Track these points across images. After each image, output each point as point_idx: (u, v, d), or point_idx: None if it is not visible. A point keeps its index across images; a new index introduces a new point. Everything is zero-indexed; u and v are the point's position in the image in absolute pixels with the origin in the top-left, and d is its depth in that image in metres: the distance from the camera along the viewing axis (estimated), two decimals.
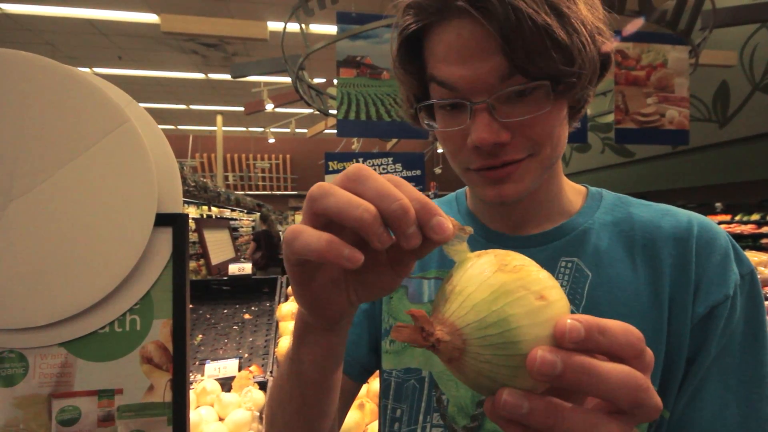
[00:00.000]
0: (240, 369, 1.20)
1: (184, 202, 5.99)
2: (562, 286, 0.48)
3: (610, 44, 0.44)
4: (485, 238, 0.54)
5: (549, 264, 0.49)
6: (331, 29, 5.70)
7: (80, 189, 0.56)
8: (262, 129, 11.81)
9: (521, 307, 0.22)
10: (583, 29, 0.38)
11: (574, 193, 0.54)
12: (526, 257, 0.26)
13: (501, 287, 0.23)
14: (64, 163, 0.56)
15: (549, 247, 0.50)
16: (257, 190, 14.54)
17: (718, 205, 7.39)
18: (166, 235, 0.61)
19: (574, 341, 0.21)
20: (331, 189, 0.25)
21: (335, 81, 2.87)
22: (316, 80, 6.03)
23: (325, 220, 0.26)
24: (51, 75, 0.56)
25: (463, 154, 0.45)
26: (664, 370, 0.44)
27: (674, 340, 0.44)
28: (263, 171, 14.59)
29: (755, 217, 6.76)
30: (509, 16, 0.35)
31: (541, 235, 0.51)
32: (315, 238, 0.25)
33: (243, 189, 14.20)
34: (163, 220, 0.60)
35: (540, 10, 0.35)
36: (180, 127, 12.97)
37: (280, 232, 8.69)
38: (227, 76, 7.70)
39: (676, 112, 3.20)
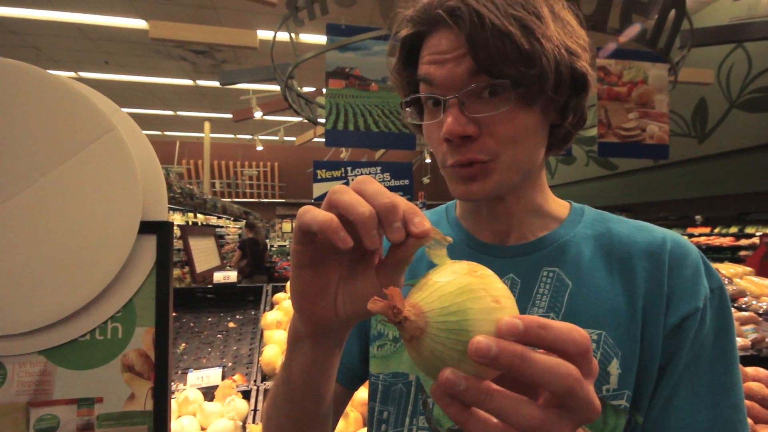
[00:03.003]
0: (223, 378, 1.19)
1: (170, 208, 5.94)
2: (543, 294, 0.50)
3: (585, 64, 0.46)
4: (471, 247, 0.55)
5: (531, 273, 0.51)
6: (321, 39, 5.74)
7: (64, 196, 0.57)
8: (250, 136, 11.77)
9: (479, 304, 0.26)
10: (547, 43, 0.43)
11: (558, 207, 0.56)
12: (493, 272, 0.30)
13: (466, 286, 0.27)
14: (47, 170, 0.56)
15: (532, 256, 0.52)
16: (244, 197, 14.44)
17: (698, 218, 7.58)
18: (150, 243, 0.61)
19: (512, 334, 0.25)
20: (345, 189, 0.31)
21: (324, 91, 2.89)
22: (306, 89, 6.06)
23: (336, 212, 0.31)
24: (37, 82, 0.57)
25: (440, 150, 0.49)
26: (638, 377, 0.46)
27: (647, 349, 0.46)
28: (251, 178, 14.51)
29: (733, 229, 6.96)
30: (474, 22, 0.42)
31: (525, 245, 0.53)
32: (322, 214, 0.30)
33: (230, 196, 14.08)
34: (147, 227, 0.60)
35: (504, 20, 0.42)
36: (167, 133, 12.85)
37: (267, 241, 8.64)
38: (216, 83, 7.69)
39: (656, 127, 3.29)
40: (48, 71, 0.57)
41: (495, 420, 0.25)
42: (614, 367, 0.45)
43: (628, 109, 3.22)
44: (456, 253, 0.56)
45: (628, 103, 3.22)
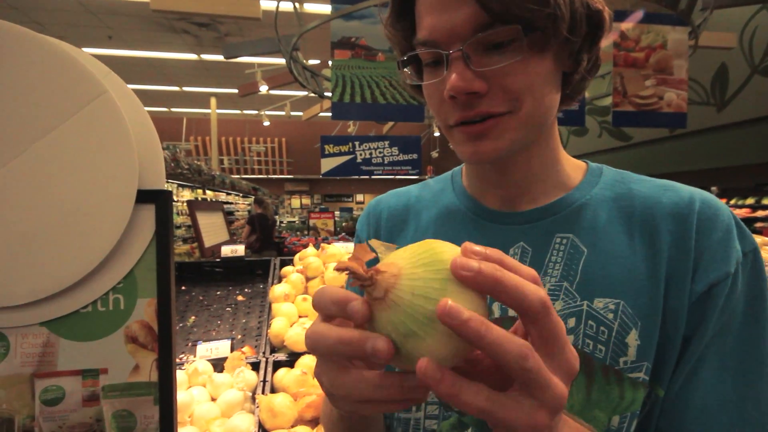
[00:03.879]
0: (232, 350, 1.20)
1: (178, 185, 5.96)
2: (556, 262, 0.47)
3: (601, 3, 0.42)
4: (478, 215, 0.53)
5: (543, 240, 0.48)
6: (326, 8, 5.58)
7: (58, 163, 0.54)
8: (257, 111, 11.68)
9: (447, 249, 0.27)
10: None
11: (572, 168, 0.52)
12: None
13: (433, 243, 0.28)
14: (39, 136, 0.54)
15: (543, 222, 0.49)
16: (253, 173, 14.45)
17: (713, 189, 7.41)
18: (149, 213, 0.59)
19: (476, 253, 0.26)
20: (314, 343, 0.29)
21: (330, 63, 2.82)
22: (311, 62, 5.93)
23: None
24: (22, 43, 0.53)
25: (443, 109, 0.45)
26: (659, 348, 0.43)
27: (671, 318, 0.43)
28: (258, 154, 14.48)
29: (750, 201, 6.79)
30: None
31: (536, 210, 0.49)
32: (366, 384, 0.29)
33: (239, 173, 14.10)
34: (145, 196, 0.58)
35: None
36: (173, 109, 12.79)
37: (276, 217, 8.66)
38: (220, 57, 7.56)
39: (674, 95, 3.17)
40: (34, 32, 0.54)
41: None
42: (633, 338, 0.42)
43: (645, 76, 3.09)
44: (461, 221, 0.54)
45: (646, 70, 3.09)
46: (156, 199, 0.59)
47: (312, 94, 5.07)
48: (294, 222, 10.55)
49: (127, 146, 0.56)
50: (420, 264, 0.26)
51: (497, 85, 0.41)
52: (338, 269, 0.26)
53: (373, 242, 0.30)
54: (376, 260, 0.29)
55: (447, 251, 0.26)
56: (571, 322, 0.44)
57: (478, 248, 0.26)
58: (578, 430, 0.31)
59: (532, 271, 0.26)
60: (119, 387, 0.59)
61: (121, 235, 0.57)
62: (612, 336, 0.43)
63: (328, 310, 0.27)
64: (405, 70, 0.48)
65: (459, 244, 0.55)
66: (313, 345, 0.28)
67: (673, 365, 0.43)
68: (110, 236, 0.56)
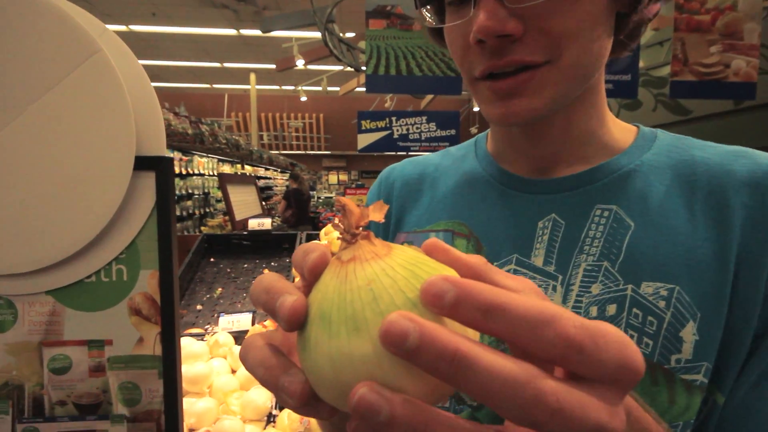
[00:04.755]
0: (253, 323, 1.20)
1: (219, 160, 6.11)
2: (595, 238, 0.39)
3: None
4: (503, 184, 0.46)
5: (580, 212, 0.41)
6: None
7: (53, 127, 0.52)
8: (294, 87, 11.71)
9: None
10: None
11: (620, 130, 0.44)
12: None
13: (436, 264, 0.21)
14: (35, 98, 0.51)
15: (581, 191, 0.41)
16: (291, 149, 14.63)
17: None
18: (149, 181, 0.56)
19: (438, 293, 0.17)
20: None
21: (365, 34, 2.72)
22: (347, 35, 5.81)
23: None
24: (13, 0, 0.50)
25: (468, 57, 0.38)
26: (722, 346, 0.35)
27: (739, 310, 0.35)
28: (297, 130, 14.60)
29: None
30: None
31: (573, 177, 0.42)
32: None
33: (277, 148, 14.32)
34: (144, 163, 0.55)
35: None
36: (215, 86, 13.06)
37: (314, 192, 8.73)
38: (259, 32, 7.58)
39: (743, 62, 2.85)
40: None
41: None
42: (689, 332, 0.35)
43: (711, 42, 2.79)
44: (483, 190, 0.47)
45: (711, 34, 2.79)
46: (156, 167, 0.56)
47: (348, 69, 4.98)
48: (331, 197, 10.64)
49: (123, 108, 0.52)
50: (413, 265, 0.19)
51: (535, 27, 0.34)
52: (337, 204, 0.21)
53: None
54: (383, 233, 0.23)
55: (445, 271, 0.20)
56: (611, 309, 0.37)
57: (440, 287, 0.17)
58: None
59: (523, 280, 0.21)
60: (124, 359, 0.58)
61: (121, 204, 0.54)
62: (663, 328, 0.35)
63: (258, 300, 0.22)
64: (423, 10, 0.42)
65: (479, 216, 0.48)
66: (242, 360, 0.23)
67: (739, 368, 0.35)
68: (109, 204, 0.54)
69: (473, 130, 11.11)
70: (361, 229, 0.20)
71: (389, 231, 0.52)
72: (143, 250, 0.57)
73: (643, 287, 0.37)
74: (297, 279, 1.47)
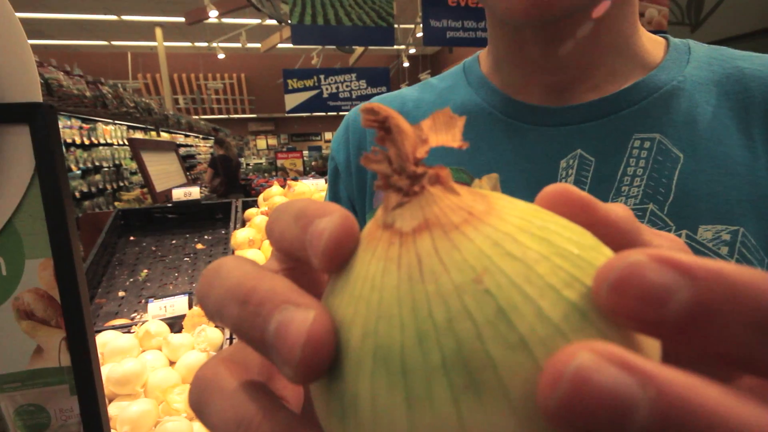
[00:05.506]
0: (191, 306, 1.06)
1: (129, 127, 5.46)
2: (636, 176, 0.33)
3: None
4: (510, 116, 0.37)
5: (614, 144, 0.34)
6: None
7: None
8: (207, 44, 10.69)
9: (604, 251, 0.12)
10: None
11: (650, 40, 0.37)
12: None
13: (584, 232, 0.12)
14: None
15: (613, 118, 0.34)
16: (212, 113, 13.56)
17: None
18: (22, 138, 0.41)
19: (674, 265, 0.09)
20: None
21: None
22: None
23: None
24: None
25: None
26: None
27: None
28: (216, 92, 13.50)
29: None
30: None
31: (601, 101, 0.35)
32: None
33: (196, 113, 13.17)
34: (10, 114, 0.40)
35: None
36: (114, 42, 11.54)
37: (243, 159, 8.19)
38: None
39: (656, 11, 3.00)
40: None
41: None
42: None
43: None
44: (486, 126, 0.38)
45: None
46: (31, 117, 0.41)
47: (269, 21, 4.59)
48: (261, 164, 10.12)
49: None
50: (543, 229, 0.10)
51: None
52: (366, 118, 0.11)
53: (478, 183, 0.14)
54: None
55: (604, 252, 0.11)
56: None
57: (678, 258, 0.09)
58: None
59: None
60: (19, 376, 0.45)
61: None
62: None
63: (222, 315, 0.12)
64: None
65: (482, 158, 0.39)
66: (199, 415, 0.13)
67: None
68: None
69: (403, 86, 10.97)
70: (423, 164, 0.11)
71: (365, 192, 0.42)
72: (25, 233, 0.42)
73: (700, 232, 0.31)
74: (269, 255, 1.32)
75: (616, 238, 0.12)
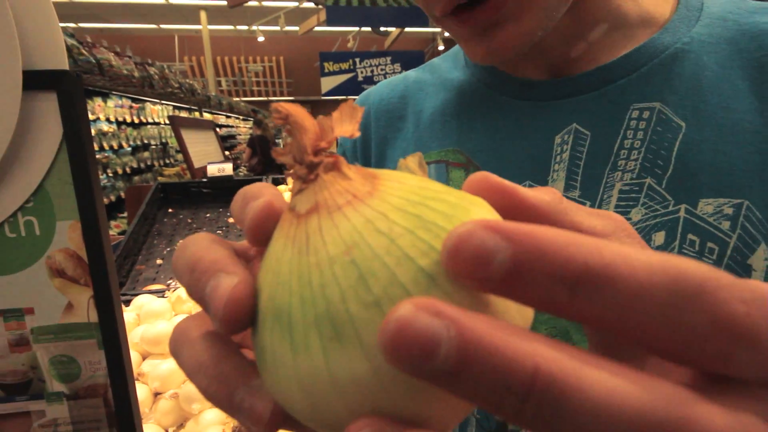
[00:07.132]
0: None
1: (174, 107, 5.68)
2: (634, 148, 0.31)
3: None
4: (504, 92, 0.37)
5: (611, 115, 0.32)
6: None
7: None
8: (247, 27, 10.86)
9: (479, 209, 0.14)
10: None
11: (654, 2, 0.34)
12: None
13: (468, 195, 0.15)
14: None
15: (610, 89, 0.32)
16: (252, 95, 13.86)
17: None
18: (50, 104, 0.43)
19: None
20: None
21: None
22: None
23: None
24: None
25: None
26: None
27: None
28: (257, 75, 13.75)
29: None
30: None
31: (597, 71, 0.33)
32: None
33: (237, 95, 13.51)
34: (38, 80, 0.42)
35: None
36: (163, 26, 11.95)
37: (280, 140, 8.39)
38: None
39: None
40: None
41: None
42: (761, 258, 0.28)
43: None
44: (478, 104, 0.38)
45: None
46: (57, 84, 0.43)
47: (307, 3, 4.59)
48: None
49: None
50: (420, 205, 0.12)
51: None
52: (275, 115, 0.13)
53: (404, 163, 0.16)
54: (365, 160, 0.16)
55: (476, 210, 0.13)
56: (659, 237, 0.29)
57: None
58: None
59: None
60: (52, 329, 0.48)
61: (13, 135, 0.42)
62: (726, 255, 0.28)
63: (181, 280, 0.15)
64: None
65: (477, 138, 0.38)
66: (175, 358, 0.16)
67: None
68: None
69: None
70: (322, 153, 0.13)
71: None
72: (56, 195, 0.45)
73: (701, 206, 0.29)
74: None
75: (539, 221, 0.13)
